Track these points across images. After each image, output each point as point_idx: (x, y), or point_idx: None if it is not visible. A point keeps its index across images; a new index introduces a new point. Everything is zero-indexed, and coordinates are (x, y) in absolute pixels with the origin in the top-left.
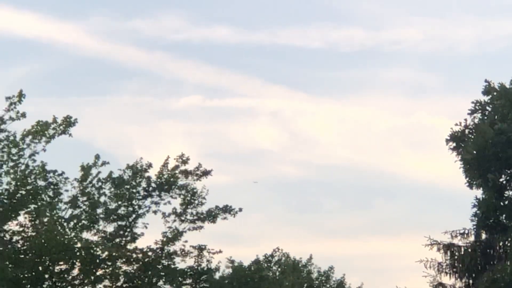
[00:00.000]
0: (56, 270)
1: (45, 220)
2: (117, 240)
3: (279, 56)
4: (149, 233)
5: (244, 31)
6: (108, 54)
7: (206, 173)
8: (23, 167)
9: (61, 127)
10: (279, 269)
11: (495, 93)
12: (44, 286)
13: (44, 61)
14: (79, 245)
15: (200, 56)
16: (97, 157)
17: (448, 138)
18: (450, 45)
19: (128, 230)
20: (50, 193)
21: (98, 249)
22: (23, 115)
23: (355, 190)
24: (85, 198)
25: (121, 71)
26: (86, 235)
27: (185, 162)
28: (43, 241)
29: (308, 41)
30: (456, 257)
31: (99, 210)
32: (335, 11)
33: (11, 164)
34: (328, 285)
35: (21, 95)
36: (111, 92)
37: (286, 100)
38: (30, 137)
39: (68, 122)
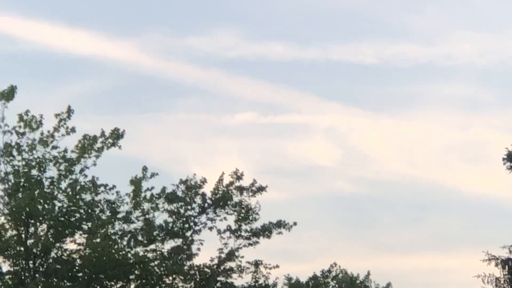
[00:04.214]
0: (112, 287)
1: (99, 236)
2: (174, 258)
3: (333, 72)
4: (204, 249)
5: (297, 47)
6: (162, 71)
7: (261, 189)
8: (74, 183)
9: (109, 139)
10: (337, 285)
11: None
12: None
13: (99, 79)
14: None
15: (254, 72)
16: (145, 169)
17: (505, 157)
18: (504, 59)
19: (185, 247)
20: (106, 210)
21: (154, 265)
22: (73, 129)
23: (411, 205)
24: (139, 214)
25: (176, 88)
26: (142, 252)
27: (239, 178)
28: (97, 258)
29: (361, 57)
30: None
31: (155, 232)
32: (388, 26)
33: (66, 181)
34: None
35: (69, 111)
36: (166, 109)
37: (341, 116)
38: (79, 151)
39: (116, 135)
